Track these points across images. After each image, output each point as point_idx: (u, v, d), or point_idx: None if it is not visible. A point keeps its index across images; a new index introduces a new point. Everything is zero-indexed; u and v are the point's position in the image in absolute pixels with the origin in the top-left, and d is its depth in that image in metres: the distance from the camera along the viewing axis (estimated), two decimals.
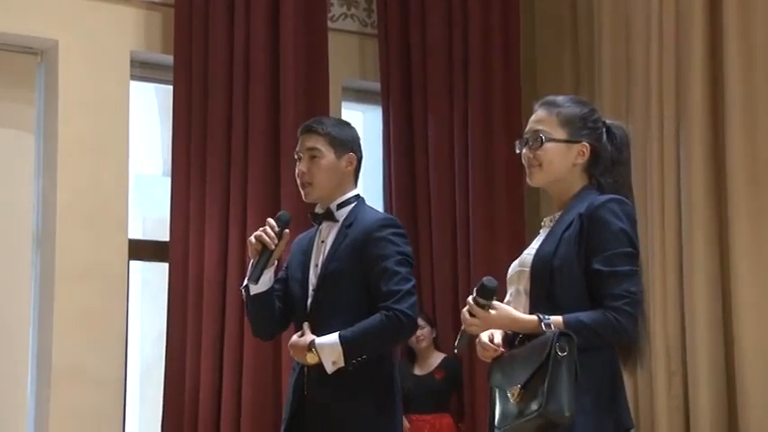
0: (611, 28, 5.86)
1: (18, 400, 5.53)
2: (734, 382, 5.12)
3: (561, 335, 2.78)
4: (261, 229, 3.48)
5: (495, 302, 2.92)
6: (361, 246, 3.46)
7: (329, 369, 3.42)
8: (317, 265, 3.55)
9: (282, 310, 3.60)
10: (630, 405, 5.19)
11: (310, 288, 3.53)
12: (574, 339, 2.78)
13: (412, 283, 3.47)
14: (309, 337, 3.45)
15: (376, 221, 3.52)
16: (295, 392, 3.52)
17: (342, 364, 3.41)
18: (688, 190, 5.33)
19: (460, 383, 5.87)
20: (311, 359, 3.42)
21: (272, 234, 3.45)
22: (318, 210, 3.61)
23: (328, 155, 3.56)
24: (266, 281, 3.51)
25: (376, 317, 3.42)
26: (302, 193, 3.59)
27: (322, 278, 3.50)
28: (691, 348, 5.23)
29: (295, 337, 3.50)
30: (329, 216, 3.57)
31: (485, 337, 2.98)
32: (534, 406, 2.76)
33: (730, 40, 5.23)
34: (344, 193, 3.59)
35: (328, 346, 3.41)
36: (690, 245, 5.29)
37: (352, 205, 3.58)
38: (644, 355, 3.05)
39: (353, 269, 3.46)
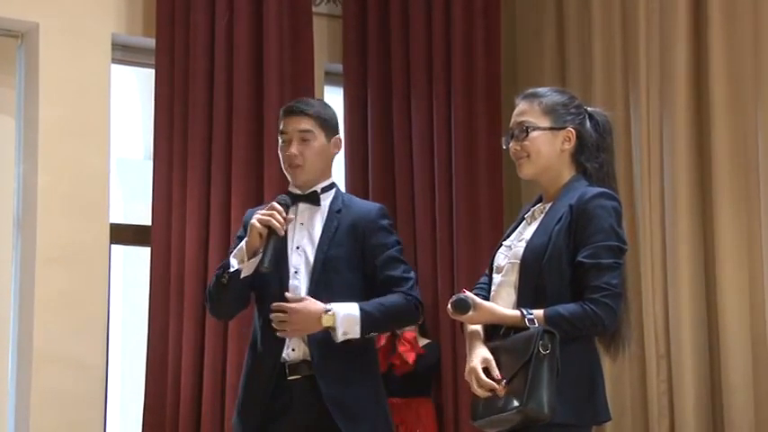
0: (600, 16, 5.85)
1: None
2: (718, 366, 5.14)
3: (545, 332, 2.82)
4: (265, 213, 3.43)
5: (477, 302, 2.94)
6: (362, 234, 3.52)
7: (339, 338, 3.42)
8: (299, 248, 3.53)
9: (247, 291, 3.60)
10: (621, 390, 5.24)
11: (292, 270, 3.51)
12: (556, 336, 2.82)
13: (414, 272, 3.61)
14: (317, 302, 3.42)
15: (375, 211, 3.59)
16: (269, 376, 3.48)
17: (355, 335, 3.43)
18: (672, 176, 5.34)
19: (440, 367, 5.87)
20: (327, 321, 3.40)
21: (282, 219, 3.42)
22: (296, 191, 3.58)
23: (320, 137, 3.57)
24: (253, 264, 3.47)
25: (395, 296, 3.49)
26: (289, 175, 3.58)
27: (321, 263, 3.49)
28: (675, 332, 5.26)
29: (295, 305, 3.43)
30: (314, 200, 3.55)
31: (479, 366, 2.96)
32: (515, 402, 2.83)
33: (715, 27, 5.23)
34: (327, 178, 3.60)
35: (346, 316, 3.41)
36: (674, 230, 5.31)
37: (334, 191, 3.60)
38: (627, 340, 3.07)
39: (353, 254, 3.51)
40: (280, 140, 3.61)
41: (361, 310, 3.43)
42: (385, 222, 3.57)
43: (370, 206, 3.65)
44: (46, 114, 5.48)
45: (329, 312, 3.41)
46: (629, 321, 3.09)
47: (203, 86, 5.66)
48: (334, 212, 3.54)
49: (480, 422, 2.94)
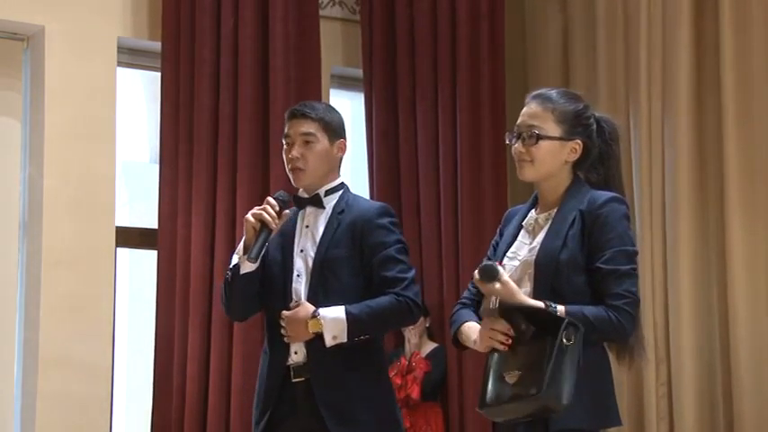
0: (604, 17, 5.85)
1: (5, 387, 5.51)
2: (728, 372, 5.12)
3: (569, 324, 2.79)
4: (259, 207, 3.45)
5: (504, 278, 2.89)
6: (360, 233, 3.48)
7: (328, 343, 3.39)
8: (303, 251, 3.53)
9: (258, 292, 3.57)
10: (620, 394, 5.22)
11: (295, 273, 3.51)
12: (580, 329, 2.79)
13: (414, 271, 3.53)
14: (309, 306, 3.42)
15: (375, 209, 3.54)
16: (276, 379, 3.48)
17: (343, 339, 3.40)
18: (673, 178, 5.34)
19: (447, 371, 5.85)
20: (314, 326, 3.39)
21: (274, 213, 3.43)
22: (303, 194, 3.59)
23: (323, 140, 3.56)
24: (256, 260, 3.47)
25: (385, 298, 3.44)
26: (292, 177, 3.58)
27: (319, 264, 3.48)
28: (675, 337, 5.25)
29: (289, 312, 3.44)
30: (317, 202, 3.55)
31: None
32: (533, 390, 2.79)
33: (724, 28, 5.22)
34: (332, 180, 3.60)
35: (332, 320, 3.39)
36: (674, 235, 5.30)
37: (340, 192, 3.58)
38: (642, 346, 3.06)
39: (352, 255, 3.48)
40: (283, 143, 3.62)
41: (347, 313, 3.39)
42: (384, 221, 3.51)
43: (371, 205, 3.61)
44: (52, 118, 5.48)
45: (316, 317, 3.39)
46: (640, 328, 3.07)
47: (209, 90, 5.66)
48: (336, 214, 3.53)
49: (489, 410, 2.89)
